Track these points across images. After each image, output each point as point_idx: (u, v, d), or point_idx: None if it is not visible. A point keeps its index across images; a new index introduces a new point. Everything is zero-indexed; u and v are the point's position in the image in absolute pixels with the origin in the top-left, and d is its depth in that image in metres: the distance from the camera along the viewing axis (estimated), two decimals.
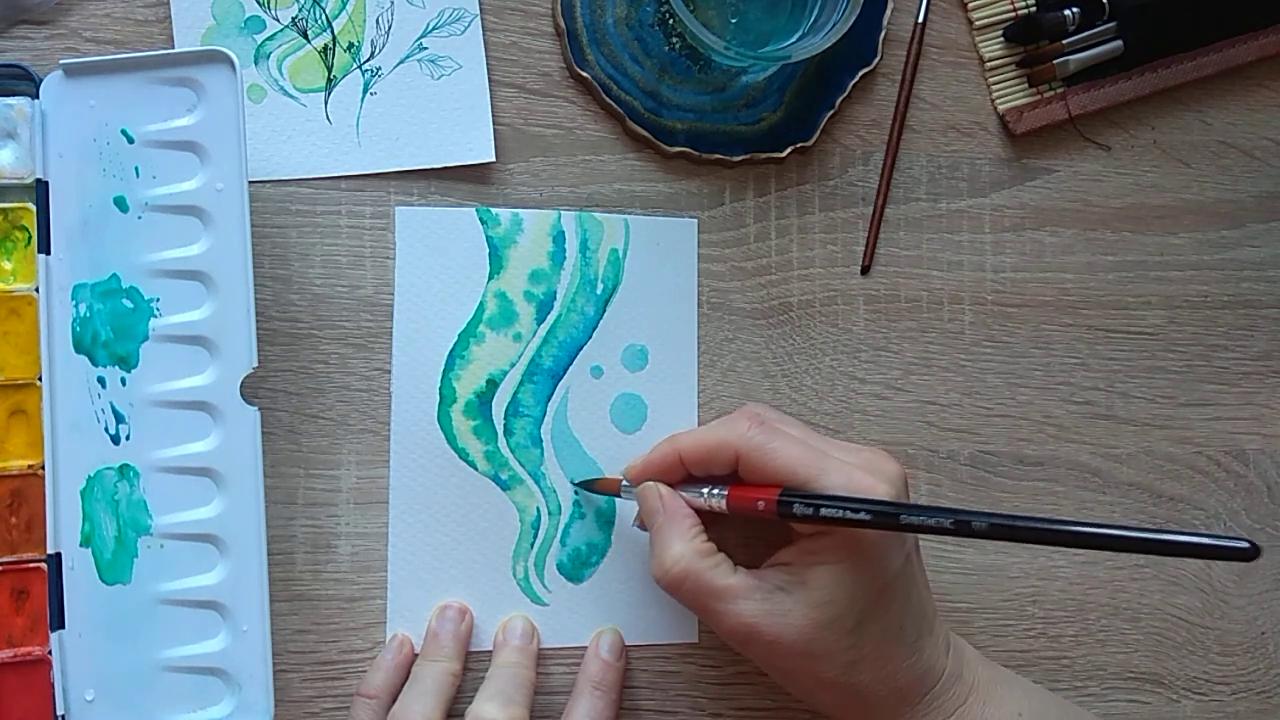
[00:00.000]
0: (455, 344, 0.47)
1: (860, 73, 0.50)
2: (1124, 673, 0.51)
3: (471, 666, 0.46)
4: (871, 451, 0.42)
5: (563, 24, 0.48)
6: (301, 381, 0.46)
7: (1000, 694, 0.43)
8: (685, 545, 0.41)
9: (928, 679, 0.42)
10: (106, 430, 0.42)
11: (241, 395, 0.42)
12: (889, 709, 0.42)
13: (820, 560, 0.40)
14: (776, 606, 0.40)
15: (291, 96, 0.46)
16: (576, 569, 0.47)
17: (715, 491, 0.42)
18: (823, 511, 0.39)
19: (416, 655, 0.45)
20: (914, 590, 0.42)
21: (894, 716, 0.42)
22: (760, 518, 0.42)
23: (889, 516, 0.37)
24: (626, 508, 0.47)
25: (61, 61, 0.42)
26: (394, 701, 0.43)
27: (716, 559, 0.41)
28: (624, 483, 0.45)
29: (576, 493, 0.47)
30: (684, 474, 0.44)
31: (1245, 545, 0.31)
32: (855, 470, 0.40)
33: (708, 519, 0.43)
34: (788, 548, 0.42)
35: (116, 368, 0.42)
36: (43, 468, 0.42)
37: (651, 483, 0.44)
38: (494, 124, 0.47)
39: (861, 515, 0.38)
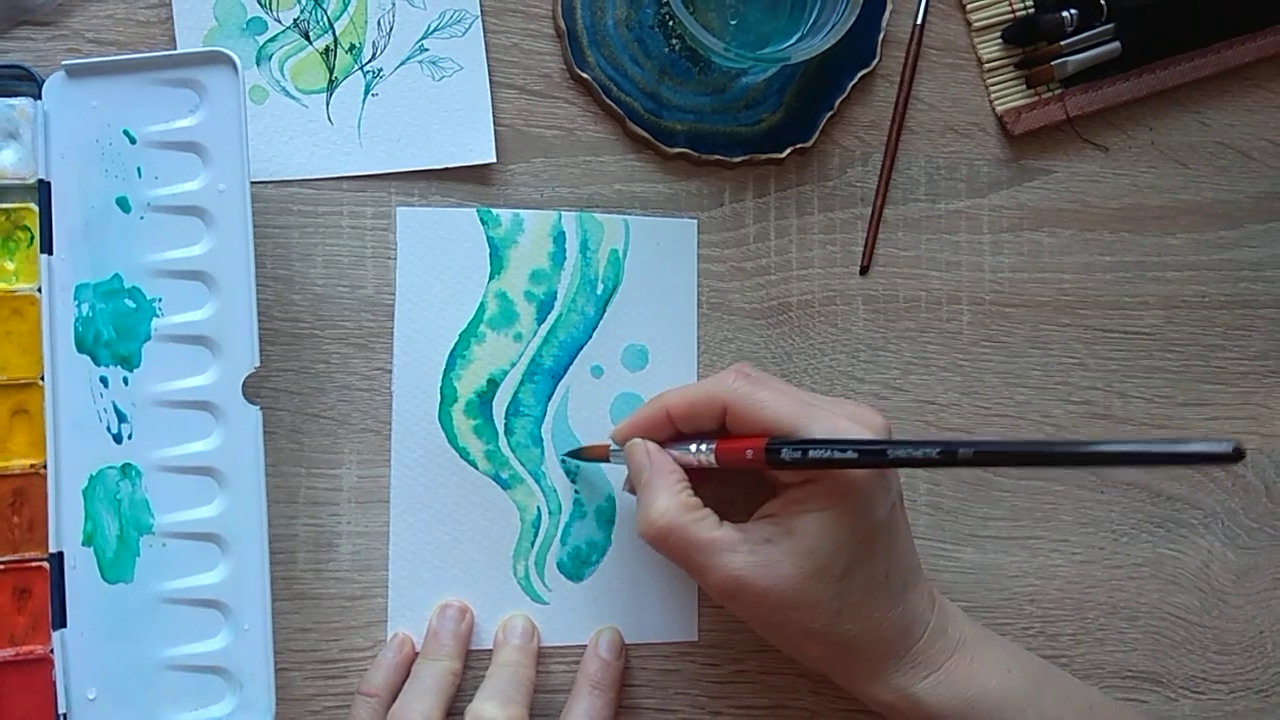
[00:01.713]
0: (456, 344, 0.47)
1: (859, 74, 0.50)
2: (1122, 671, 0.51)
3: (472, 665, 0.46)
4: (855, 404, 0.42)
5: (563, 25, 0.48)
6: (303, 381, 0.46)
7: (987, 651, 0.44)
8: (671, 499, 0.41)
9: (913, 631, 0.42)
10: (109, 429, 0.42)
11: (243, 395, 0.43)
12: (875, 660, 0.42)
13: (806, 509, 0.40)
14: (764, 558, 0.40)
15: (293, 97, 0.46)
16: (577, 568, 0.47)
17: (703, 446, 0.42)
18: (810, 454, 0.39)
19: (417, 654, 0.45)
20: (898, 540, 0.42)
21: (880, 668, 0.42)
22: (748, 469, 0.42)
23: (876, 454, 0.38)
24: (627, 506, 0.48)
25: (64, 62, 0.42)
26: (394, 700, 0.43)
27: (702, 513, 0.41)
28: (612, 446, 0.45)
29: (564, 463, 0.47)
30: (671, 432, 0.44)
31: (1227, 449, 0.31)
32: (841, 419, 0.40)
33: (696, 478, 0.43)
34: (773, 500, 0.42)
35: (119, 367, 0.42)
36: (45, 467, 0.42)
37: (639, 439, 0.43)
38: (495, 125, 0.48)
39: (849, 454, 0.38)
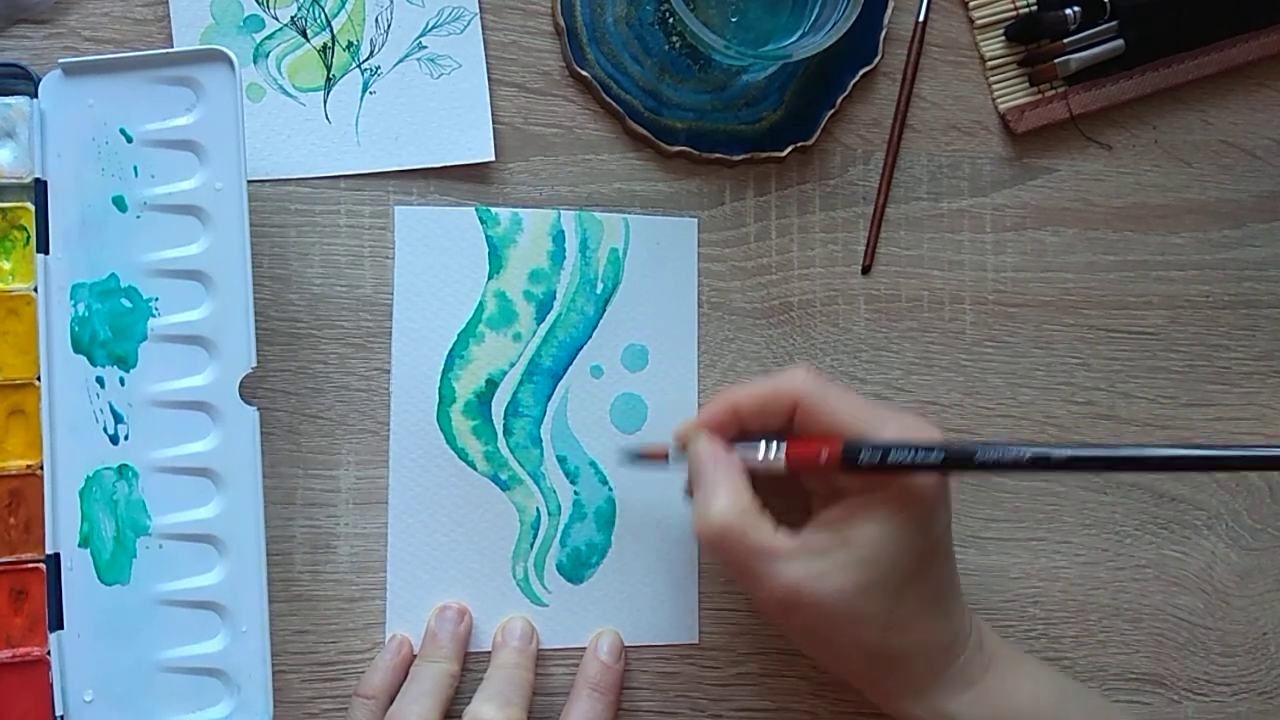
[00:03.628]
0: (455, 344, 0.47)
1: (861, 72, 0.50)
2: (1125, 674, 0.51)
3: (470, 667, 0.46)
4: (910, 415, 0.41)
5: (562, 23, 0.48)
6: (300, 381, 0.46)
7: (1018, 668, 0.43)
8: (732, 499, 0.39)
9: (955, 648, 0.41)
10: (105, 430, 0.42)
11: (240, 395, 0.42)
12: (919, 677, 0.41)
13: (869, 518, 0.39)
14: (820, 568, 0.39)
15: (290, 95, 0.46)
16: (576, 569, 0.47)
17: (773, 445, 0.40)
18: (891, 457, 0.37)
19: (415, 656, 0.45)
20: (950, 556, 0.41)
21: (922, 685, 0.41)
22: (816, 472, 0.40)
23: (963, 457, 0.36)
24: (627, 507, 0.47)
25: (60, 61, 0.42)
26: (392, 702, 0.43)
27: (763, 517, 0.39)
28: (672, 446, 0.43)
29: (621, 465, 0.46)
30: (735, 432, 0.42)
31: None
32: (910, 421, 0.39)
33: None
34: (831, 507, 0.40)
35: (115, 367, 0.42)
36: (41, 468, 0.42)
37: (702, 436, 0.41)
38: (493, 123, 0.47)
39: (935, 457, 0.36)
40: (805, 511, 0.43)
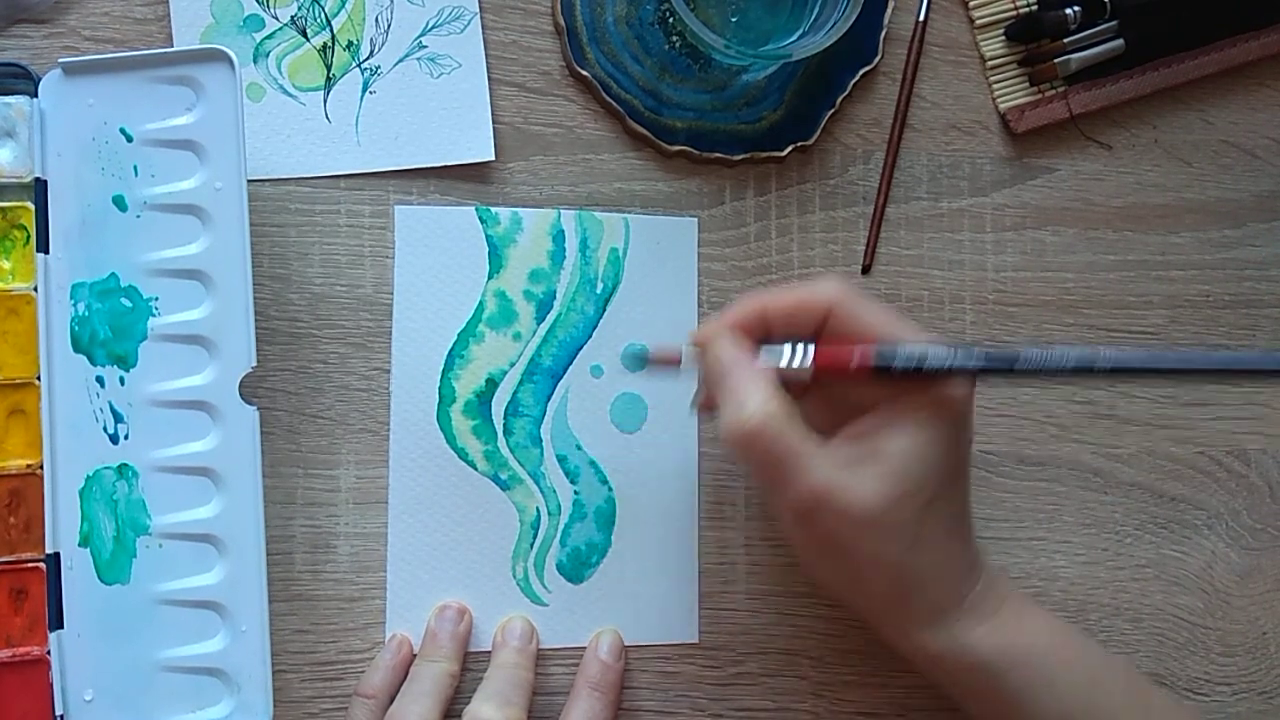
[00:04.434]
0: (455, 343, 0.47)
1: (861, 71, 0.50)
2: None
3: (470, 667, 0.46)
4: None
5: (562, 22, 0.48)
6: (300, 381, 0.46)
7: (1031, 609, 0.42)
8: (765, 398, 0.37)
9: (973, 574, 0.41)
10: (105, 430, 0.42)
11: (240, 395, 0.42)
12: (937, 602, 0.40)
13: (900, 431, 0.38)
14: (851, 474, 0.38)
15: (290, 95, 0.46)
16: (576, 569, 0.47)
17: (800, 348, 0.39)
18: (929, 361, 0.36)
19: (415, 655, 0.45)
20: (969, 479, 0.41)
21: (939, 611, 0.40)
22: (844, 379, 0.39)
23: (1005, 361, 0.35)
24: (627, 507, 0.47)
25: (60, 60, 0.42)
26: (392, 702, 0.43)
27: (797, 417, 0.38)
28: (686, 346, 0.41)
29: (625, 368, 0.44)
30: (757, 340, 0.40)
31: None
32: (930, 339, 0.39)
33: None
34: (863, 418, 0.39)
35: (115, 367, 0.42)
36: (41, 467, 0.42)
37: (722, 337, 0.40)
38: (493, 123, 0.47)
39: (975, 361, 0.35)
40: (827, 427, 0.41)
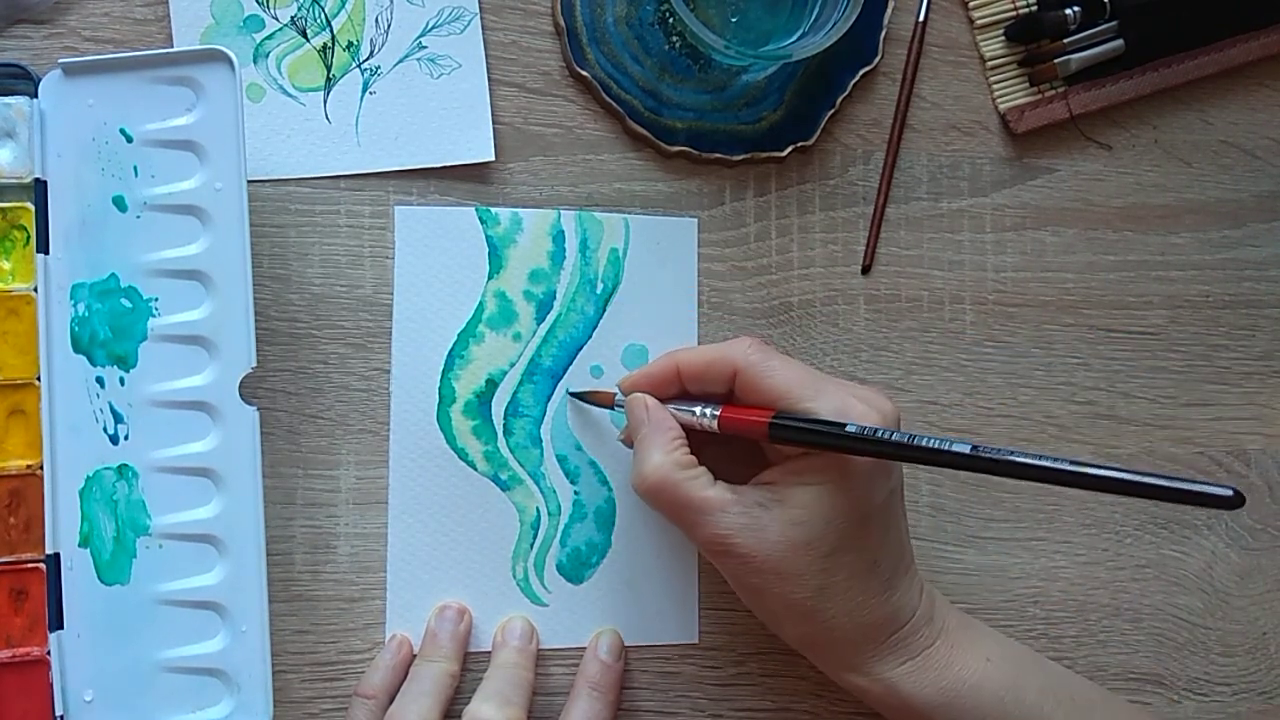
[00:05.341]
0: (455, 344, 0.47)
1: (861, 72, 0.50)
2: (1125, 673, 0.51)
3: (470, 667, 0.46)
4: (870, 388, 0.42)
5: (562, 22, 0.48)
6: (300, 381, 0.46)
7: (969, 639, 0.43)
8: (665, 456, 0.41)
9: (897, 619, 0.42)
10: (105, 430, 0.42)
11: (240, 395, 0.42)
12: (855, 645, 0.42)
13: (803, 481, 0.40)
14: (753, 522, 0.40)
15: (290, 95, 0.46)
16: (576, 569, 0.47)
17: (708, 410, 0.42)
18: (809, 437, 0.39)
19: (415, 656, 0.45)
20: (893, 528, 0.42)
21: (859, 654, 0.42)
22: (750, 438, 0.42)
23: (874, 442, 0.38)
24: (627, 507, 0.47)
25: (60, 60, 0.42)
26: (392, 702, 0.43)
27: (695, 471, 0.41)
28: (617, 395, 0.45)
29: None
30: (678, 390, 0.44)
31: (1229, 493, 0.32)
32: (852, 399, 0.40)
33: (699, 438, 0.43)
34: (772, 468, 0.42)
35: (115, 367, 0.42)
36: (41, 468, 0.41)
37: (640, 394, 0.44)
38: (493, 123, 0.47)
39: (849, 438, 0.38)
40: (762, 467, 0.43)
